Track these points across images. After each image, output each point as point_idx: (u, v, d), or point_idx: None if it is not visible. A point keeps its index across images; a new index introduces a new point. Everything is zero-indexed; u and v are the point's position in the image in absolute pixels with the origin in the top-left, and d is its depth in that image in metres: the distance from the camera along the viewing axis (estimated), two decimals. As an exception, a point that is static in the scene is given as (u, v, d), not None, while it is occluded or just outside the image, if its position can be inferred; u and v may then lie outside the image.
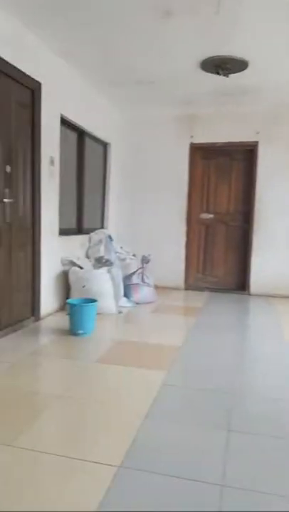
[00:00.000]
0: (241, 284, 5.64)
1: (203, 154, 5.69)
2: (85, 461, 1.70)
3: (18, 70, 3.29)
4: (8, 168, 3.27)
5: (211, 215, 5.75)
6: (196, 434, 1.96)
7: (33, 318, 3.76)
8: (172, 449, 1.82)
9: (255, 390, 2.48)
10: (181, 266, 5.74)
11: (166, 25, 3.26)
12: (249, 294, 5.49)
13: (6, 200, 3.25)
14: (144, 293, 4.77)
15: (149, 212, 5.76)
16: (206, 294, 5.45)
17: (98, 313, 3.63)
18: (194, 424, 2.04)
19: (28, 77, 3.45)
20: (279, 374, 2.76)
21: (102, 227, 5.56)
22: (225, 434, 1.94)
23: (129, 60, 3.99)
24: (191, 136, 5.59)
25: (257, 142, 5.36)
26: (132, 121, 5.75)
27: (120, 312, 4.24)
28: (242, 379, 2.65)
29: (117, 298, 4.26)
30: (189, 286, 5.76)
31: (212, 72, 4.15)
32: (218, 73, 4.09)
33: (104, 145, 5.51)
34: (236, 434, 1.95)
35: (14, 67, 3.23)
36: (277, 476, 1.64)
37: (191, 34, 3.40)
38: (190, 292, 5.61)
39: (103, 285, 4.09)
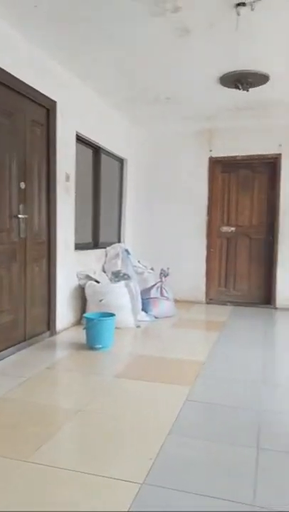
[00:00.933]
0: (266, 297, 5.48)
1: (223, 167, 5.64)
2: (107, 477, 1.62)
3: (34, 89, 3.35)
4: (22, 185, 3.30)
5: (233, 228, 5.66)
6: (223, 451, 1.85)
7: (48, 332, 3.72)
8: (198, 466, 1.72)
9: (284, 407, 2.34)
10: (202, 279, 5.64)
11: (185, 43, 3.27)
12: (275, 308, 5.32)
13: (20, 215, 3.27)
14: (163, 307, 4.68)
15: (169, 226, 5.72)
16: (228, 308, 5.31)
17: (116, 328, 3.55)
18: (221, 441, 1.93)
19: (44, 96, 3.51)
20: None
21: (119, 241, 5.54)
22: (254, 451, 1.82)
23: (146, 78, 4.02)
24: (210, 150, 5.57)
25: (280, 155, 5.29)
26: (149, 137, 5.78)
27: (138, 326, 4.16)
28: (269, 395, 2.52)
29: (135, 312, 4.19)
30: (211, 300, 5.64)
31: (231, 87, 4.13)
32: (237, 88, 4.07)
33: (121, 161, 5.55)
34: (266, 452, 1.83)
35: (29, 87, 3.29)
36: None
37: (210, 50, 3.41)
38: (212, 306, 5.48)
39: (120, 299, 4.04)
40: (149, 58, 3.57)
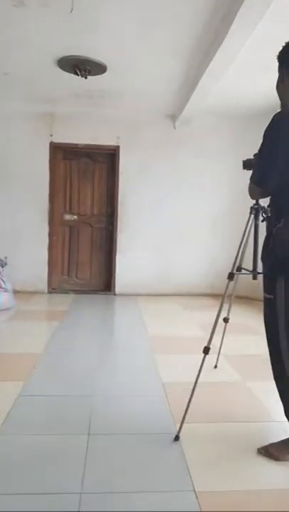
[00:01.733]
0: (107, 284, 5.67)
1: (64, 154, 5.56)
2: None
3: None
4: None
5: (75, 217, 5.66)
6: (54, 443, 1.83)
7: None
8: (30, 463, 1.66)
9: (115, 390, 2.45)
10: (44, 268, 5.49)
11: (21, 16, 3.06)
12: (115, 294, 5.56)
13: None
14: (0, 299, 4.38)
15: (6, 213, 5.36)
16: (71, 297, 5.31)
17: None
18: (53, 433, 1.90)
19: None
20: (139, 371, 2.79)
21: None
22: (85, 438, 1.86)
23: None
24: (51, 135, 5.41)
25: (118, 147, 5.48)
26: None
27: (-28, 322, 3.81)
28: (102, 380, 2.59)
29: None
30: (53, 289, 5.55)
31: (70, 72, 4.07)
32: (76, 73, 4.03)
33: None
34: (96, 436, 1.88)
35: None
36: (133, 472, 1.63)
37: (47, 29, 3.26)
38: (54, 296, 5.40)
39: None
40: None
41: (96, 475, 1.59)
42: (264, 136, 1.58)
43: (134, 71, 4.09)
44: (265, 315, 1.75)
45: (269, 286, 1.66)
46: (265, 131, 1.58)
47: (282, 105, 1.69)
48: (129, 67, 4.00)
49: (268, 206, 1.70)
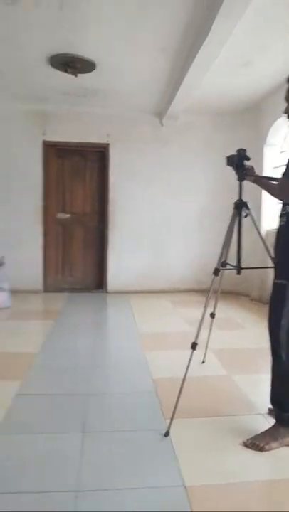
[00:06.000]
0: (99, 282, 5.74)
1: (57, 153, 5.59)
2: None
3: None
4: None
5: (68, 215, 5.70)
6: (51, 442, 1.88)
7: None
8: (27, 463, 1.71)
9: (109, 387, 2.52)
10: (39, 267, 5.55)
11: (14, 11, 3.07)
12: (107, 292, 5.62)
13: None
14: (-3, 299, 4.46)
15: (1, 213, 5.39)
16: (65, 295, 5.38)
17: None
18: (50, 432, 1.97)
19: None
20: (131, 369, 2.85)
21: None
22: (80, 436, 1.92)
23: None
24: (44, 134, 5.43)
25: (108, 144, 5.51)
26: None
27: None
28: (97, 378, 2.65)
29: None
30: (48, 288, 5.61)
31: (61, 70, 4.10)
32: (66, 71, 4.06)
33: None
34: (91, 434, 1.94)
35: None
36: (125, 469, 1.68)
37: (38, 26, 3.30)
38: (49, 294, 5.46)
39: None
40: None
41: (93, 472, 1.64)
42: None
43: (122, 68, 4.13)
44: (272, 300, 1.83)
45: (283, 272, 1.75)
46: None
47: None
48: (117, 65, 4.04)
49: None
